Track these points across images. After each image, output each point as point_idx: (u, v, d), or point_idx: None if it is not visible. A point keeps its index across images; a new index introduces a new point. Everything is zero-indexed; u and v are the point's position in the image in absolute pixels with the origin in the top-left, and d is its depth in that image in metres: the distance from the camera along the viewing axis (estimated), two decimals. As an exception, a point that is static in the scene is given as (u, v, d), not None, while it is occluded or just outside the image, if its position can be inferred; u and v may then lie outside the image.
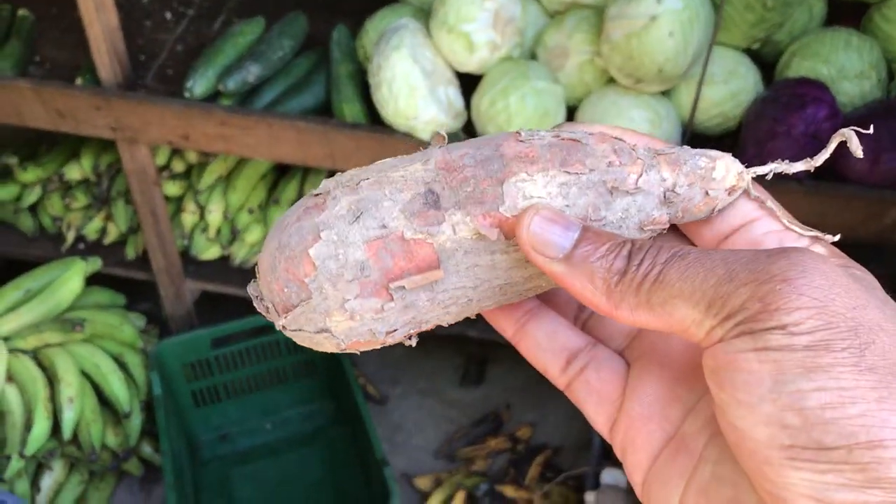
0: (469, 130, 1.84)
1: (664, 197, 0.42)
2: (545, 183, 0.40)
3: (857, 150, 0.40)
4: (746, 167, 0.42)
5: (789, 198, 1.66)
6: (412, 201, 0.40)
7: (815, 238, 0.41)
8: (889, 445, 0.30)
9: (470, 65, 1.80)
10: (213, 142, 1.90)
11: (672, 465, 0.39)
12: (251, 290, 0.44)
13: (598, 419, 0.44)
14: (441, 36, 1.77)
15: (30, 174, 2.30)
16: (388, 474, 1.93)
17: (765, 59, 1.91)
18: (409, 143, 1.78)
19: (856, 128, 0.40)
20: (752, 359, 0.32)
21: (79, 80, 1.97)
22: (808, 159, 0.42)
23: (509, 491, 2.23)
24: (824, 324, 0.32)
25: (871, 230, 1.69)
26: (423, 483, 2.27)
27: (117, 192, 2.31)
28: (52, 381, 2.00)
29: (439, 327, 0.44)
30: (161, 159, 2.19)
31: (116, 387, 2.08)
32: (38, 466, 2.07)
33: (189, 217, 2.25)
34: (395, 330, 0.41)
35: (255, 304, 0.44)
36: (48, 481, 2.06)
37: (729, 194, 0.42)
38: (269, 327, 2.20)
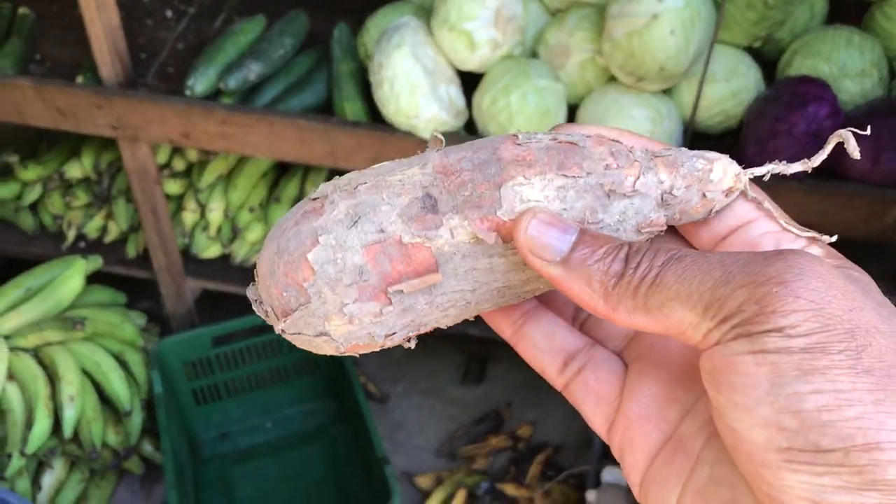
0: (470, 129, 1.84)
1: (661, 199, 0.42)
2: (542, 186, 0.40)
3: (854, 151, 0.40)
4: (744, 168, 0.42)
5: (790, 196, 1.66)
6: (410, 205, 0.40)
7: (813, 239, 0.41)
8: (886, 448, 0.30)
9: (471, 63, 1.80)
10: (214, 140, 1.90)
11: (669, 467, 0.39)
12: (250, 293, 0.44)
13: (596, 420, 0.44)
14: (442, 34, 1.77)
15: (30, 172, 2.30)
16: (389, 473, 1.93)
17: (766, 58, 1.91)
18: (410, 141, 1.78)
19: (853, 129, 0.40)
20: (749, 361, 0.32)
21: (80, 79, 1.97)
22: (806, 160, 0.42)
23: (510, 489, 2.23)
24: (821, 326, 0.32)
25: (872, 229, 1.69)
26: (424, 482, 2.27)
27: (118, 191, 2.31)
28: (52, 379, 2.00)
29: (439, 328, 0.44)
30: (162, 158, 2.19)
31: (117, 385, 2.08)
32: (39, 465, 2.07)
33: (190, 215, 2.25)
34: (393, 333, 0.42)
35: (254, 308, 0.44)
36: (49, 480, 2.06)
37: (726, 196, 0.42)
38: (269, 326, 2.19)
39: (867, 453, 0.30)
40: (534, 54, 1.88)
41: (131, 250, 2.35)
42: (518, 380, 2.50)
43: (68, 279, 2.09)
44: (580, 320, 0.48)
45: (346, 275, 0.40)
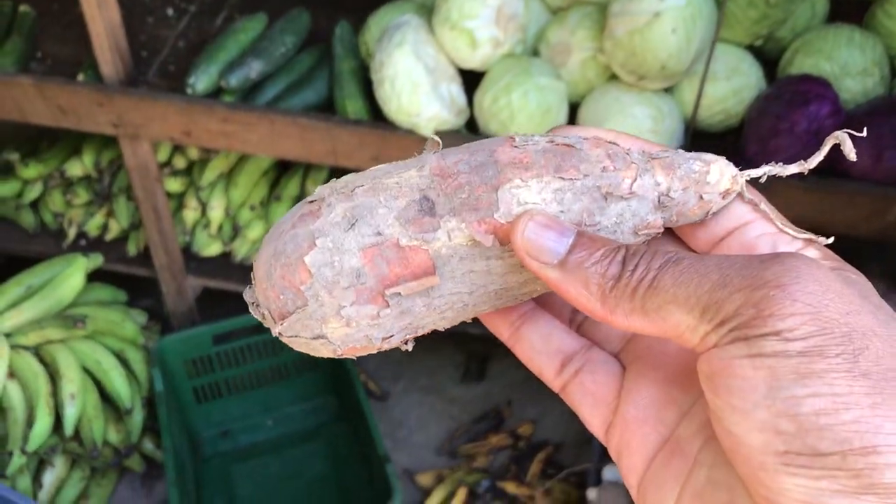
0: (471, 127, 1.84)
1: (658, 201, 0.42)
2: (540, 189, 0.40)
3: (850, 152, 0.40)
4: (740, 170, 0.42)
5: (791, 195, 1.66)
6: (407, 208, 0.40)
7: (809, 240, 0.41)
8: (883, 451, 0.30)
9: (473, 61, 1.80)
10: (215, 138, 1.90)
11: (667, 469, 0.39)
12: (247, 296, 0.44)
13: (594, 422, 0.44)
14: (444, 32, 1.77)
15: (31, 170, 2.30)
16: (391, 471, 1.93)
17: (767, 56, 1.91)
18: (411, 139, 1.78)
19: (849, 130, 0.40)
20: (747, 365, 0.32)
21: (80, 77, 1.97)
22: (802, 162, 0.42)
23: (511, 488, 2.23)
24: (818, 330, 0.32)
25: (873, 227, 1.69)
26: (424, 480, 2.27)
27: (119, 189, 2.31)
28: (53, 377, 2.00)
29: (436, 330, 0.44)
30: (162, 156, 2.19)
31: (118, 383, 2.08)
32: (40, 463, 2.07)
33: (191, 213, 2.25)
34: (391, 335, 0.42)
35: (251, 311, 0.44)
36: (50, 478, 2.06)
37: (723, 198, 0.42)
38: (269, 325, 2.20)
39: (864, 457, 0.30)
40: (535, 53, 1.88)
41: (132, 248, 2.35)
42: (518, 378, 2.50)
43: (69, 277, 2.09)
44: (577, 322, 0.48)
45: (343, 277, 0.40)
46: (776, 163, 0.43)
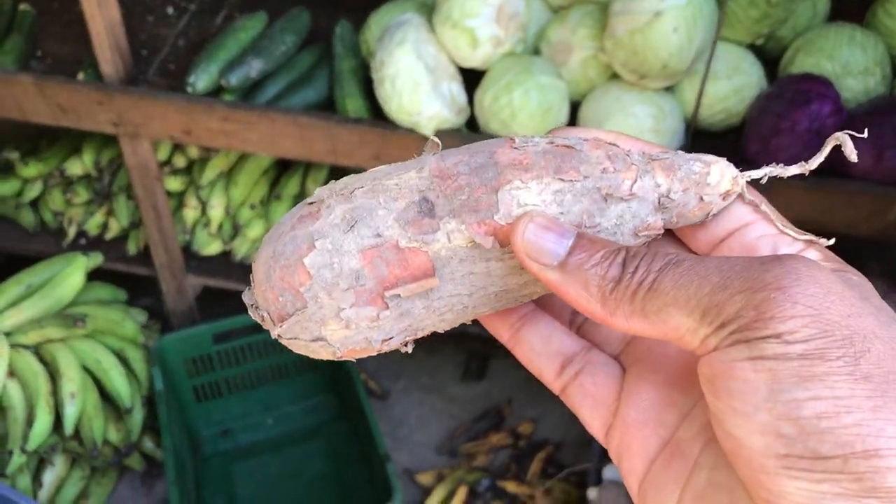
0: (472, 126, 1.84)
1: (659, 203, 0.42)
2: (540, 190, 0.40)
3: (851, 154, 0.40)
4: (741, 171, 0.42)
5: (791, 194, 1.66)
6: (407, 209, 0.40)
7: (810, 242, 0.41)
8: (884, 455, 0.30)
9: (473, 60, 1.80)
10: (215, 137, 1.90)
11: (667, 471, 0.39)
12: (246, 298, 0.44)
13: (594, 424, 0.44)
14: (445, 31, 1.77)
15: (31, 169, 2.30)
16: (391, 470, 1.93)
17: (768, 55, 1.91)
18: (411, 138, 1.78)
19: (850, 132, 0.40)
20: (748, 367, 0.32)
21: (81, 75, 1.97)
22: (803, 163, 0.42)
23: (511, 487, 2.23)
24: (819, 332, 0.32)
25: (874, 226, 1.69)
26: (424, 479, 2.27)
27: (119, 188, 2.31)
28: (53, 376, 2.00)
29: (436, 332, 0.44)
30: (162, 154, 2.19)
31: (118, 382, 2.08)
32: (40, 462, 2.07)
33: (191, 212, 2.25)
34: (390, 338, 0.41)
35: (250, 313, 0.44)
36: (50, 476, 2.06)
37: (723, 199, 0.42)
38: (269, 324, 2.20)
39: (866, 460, 0.30)
40: (536, 51, 1.88)
41: (132, 247, 2.35)
42: (519, 377, 2.50)
43: (69, 276, 2.09)
44: (577, 323, 0.48)
45: (342, 279, 0.40)
46: (777, 164, 0.42)
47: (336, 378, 2.34)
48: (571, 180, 0.40)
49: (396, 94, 1.74)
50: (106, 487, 2.19)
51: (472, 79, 1.83)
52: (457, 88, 1.80)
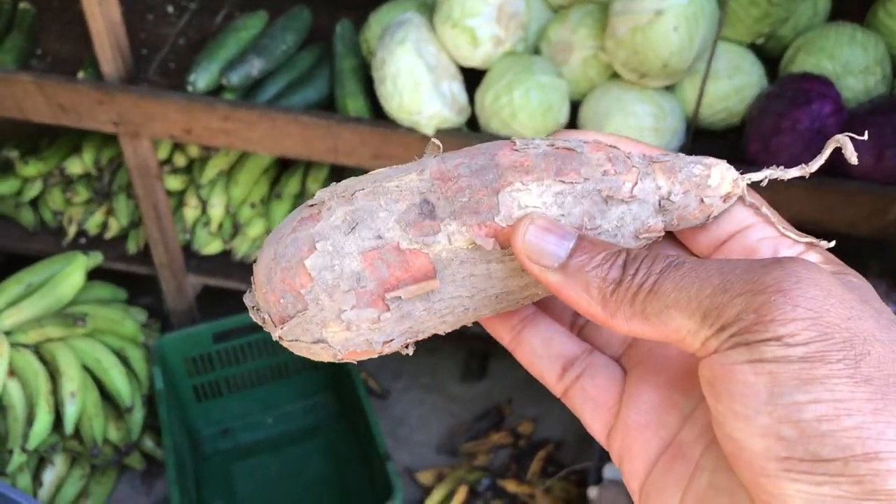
0: (473, 125, 1.84)
1: (659, 205, 0.42)
2: (540, 192, 0.40)
3: (851, 156, 0.40)
4: (741, 173, 0.42)
5: (792, 194, 1.66)
6: (407, 211, 0.40)
7: (811, 244, 0.41)
8: (885, 458, 0.30)
9: (474, 59, 1.80)
10: (216, 136, 1.90)
11: (669, 474, 0.39)
12: (247, 300, 0.44)
13: (595, 426, 0.44)
14: (445, 30, 1.77)
15: (31, 168, 2.30)
16: (391, 469, 1.93)
17: (769, 55, 1.91)
18: (412, 137, 1.78)
19: (850, 134, 0.40)
20: (748, 370, 0.32)
21: (81, 74, 1.97)
22: (803, 165, 0.42)
23: (511, 486, 2.23)
24: (819, 335, 0.32)
25: (874, 226, 1.69)
26: (425, 478, 2.27)
27: (119, 187, 2.30)
28: (53, 375, 2.00)
29: (437, 334, 0.44)
30: (163, 153, 2.19)
31: (118, 381, 2.08)
32: (40, 461, 2.07)
33: (191, 211, 2.25)
34: (391, 340, 0.41)
35: (251, 315, 0.44)
36: (50, 476, 2.06)
37: (724, 201, 0.42)
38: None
39: (866, 463, 0.30)
40: (536, 51, 1.88)
41: (132, 246, 2.35)
42: (519, 376, 2.50)
43: (69, 275, 2.09)
44: (579, 326, 0.48)
45: (343, 281, 0.40)
46: (777, 164, 0.42)
47: (336, 377, 2.34)
48: (572, 182, 0.40)
49: (397, 94, 1.74)
50: (106, 486, 2.19)
51: (472, 78, 1.83)
52: (457, 88, 1.80)
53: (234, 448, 2.31)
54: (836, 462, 0.30)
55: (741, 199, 0.42)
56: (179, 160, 2.21)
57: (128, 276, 2.39)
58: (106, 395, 2.11)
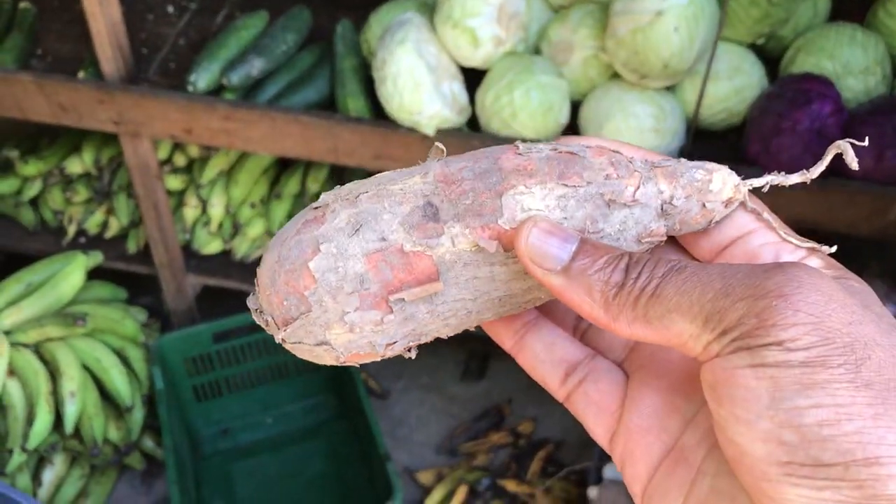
0: (473, 126, 1.84)
1: (661, 209, 0.42)
2: (543, 195, 0.40)
3: (852, 162, 0.40)
4: (743, 179, 0.42)
5: (792, 194, 1.66)
6: (411, 214, 0.40)
7: (812, 249, 0.41)
8: (885, 462, 0.30)
9: (474, 60, 1.80)
10: (216, 136, 1.90)
11: (671, 478, 0.39)
12: (250, 303, 0.44)
13: (598, 431, 0.44)
14: (446, 31, 1.77)
15: (31, 167, 2.30)
16: (391, 470, 1.93)
17: (769, 55, 1.91)
18: (413, 137, 1.78)
19: (851, 140, 0.40)
20: (749, 375, 0.32)
21: (81, 74, 1.97)
22: (805, 171, 0.42)
23: (511, 486, 2.23)
24: (820, 340, 0.32)
25: (874, 226, 1.69)
26: (424, 478, 2.27)
27: (119, 186, 2.30)
28: (53, 375, 2.00)
29: (439, 337, 0.44)
30: (163, 153, 2.19)
31: (118, 381, 2.08)
32: (40, 460, 2.07)
33: (191, 211, 2.25)
34: (394, 342, 0.42)
35: (254, 318, 0.44)
36: (49, 475, 2.06)
37: (726, 206, 0.42)
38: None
39: (867, 468, 0.30)
40: (537, 51, 1.88)
41: (132, 246, 2.35)
42: (519, 377, 2.50)
43: (69, 275, 2.09)
44: (581, 330, 0.48)
45: (347, 283, 0.40)
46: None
47: (336, 378, 2.34)
48: (575, 186, 0.41)
49: (398, 94, 1.74)
50: (105, 486, 2.19)
51: (473, 78, 1.83)
52: (458, 88, 1.80)
53: (234, 448, 2.31)
54: (837, 467, 0.30)
55: (743, 204, 0.43)
56: (179, 160, 2.21)
57: (128, 275, 2.39)
58: (106, 395, 2.11)
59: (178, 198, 2.29)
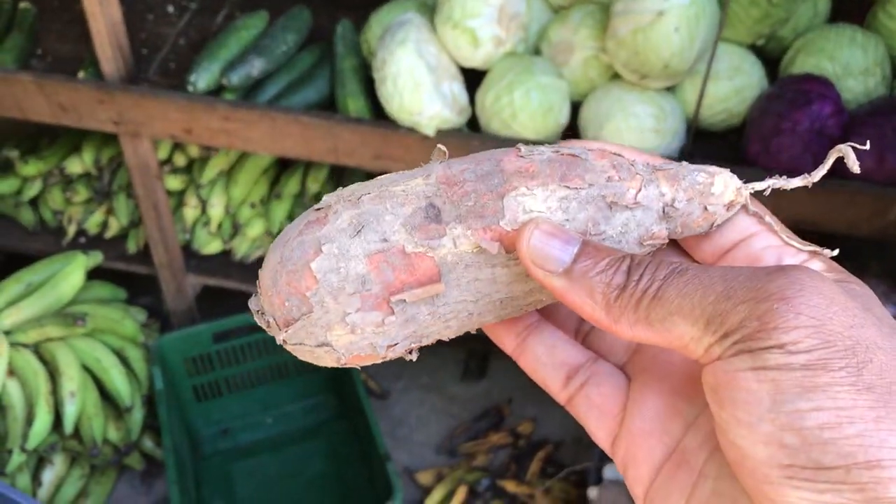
0: (473, 126, 1.84)
1: (663, 212, 0.42)
2: (545, 197, 0.40)
3: (854, 165, 0.40)
4: (744, 183, 0.42)
5: (793, 195, 1.66)
6: (413, 215, 0.40)
7: (814, 253, 0.41)
8: (887, 465, 0.30)
9: (475, 60, 1.80)
10: (216, 136, 1.90)
11: (673, 481, 0.39)
12: (252, 304, 0.44)
13: (600, 434, 0.44)
14: (446, 31, 1.77)
15: (31, 167, 2.30)
16: (391, 470, 1.93)
17: (769, 56, 1.91)
18: (413, 138, 1.78)
19: (853, 144, 0.40)
20: (751, 378, 0.32)
21: (81, 74, 1.97)
22: (806, 175, 0.42)
23: (511, 486, 2.23)
24: (822, 343, 0.32)
25: (874, 227, 1.69)
26: (424, 478, 2.27)
27: (118, 186, 2.30)
28: (53, 375, 2.00)
29: (440, 340, 0.44)
30: (163, 153, 2.18)
31: (118, 381, 2.08)
32: (40, 460, 2.07)
33: (191, 211, 2.25)
34: (395, 344, 0.41)
35: (255, 319, 0.44)
36: (49, 475, 2.06)
37: (727, 209, 0.42)
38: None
39: (869, 471, 0.30)
40: (537, 51, 1.88)
41: (132, 246, 2.35)
42: (518, 376, 2.49)
43: (69, 275, 2.09)
44: (583, 333, 0.48)
45: (348, 284, 0.40)
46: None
47: (336, 378, 2.34)
48: (577, 188, 0.41)
49: (398, 94, 1.74)
50: (105, 486, 2.19)
51: (473, 79, 1.83)
52: (458, 88, 1.80)
53: (234, 448, 2.31)
54: (839, 470, 0.30)
55: (744, 207, 0.43)
56: (179, 160, 2.21)
57: (127, 275, 2.39)
58: (106, 395, 2.11)
59: (178, 198, 2.29)
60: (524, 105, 1.72)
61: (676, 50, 1.65)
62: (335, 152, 1.85)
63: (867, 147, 0.39)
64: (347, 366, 0.42)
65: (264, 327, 0.43)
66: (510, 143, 1.73)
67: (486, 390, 2.50)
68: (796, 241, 0.41)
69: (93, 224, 2.36)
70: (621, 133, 1.73)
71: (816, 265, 0.40)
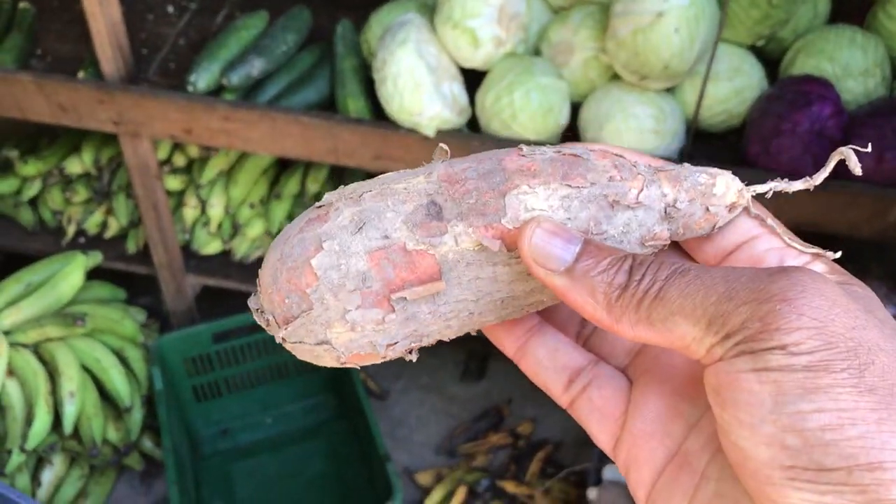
0: (473, 126, 1.84)
1: (665, 212, 0.42)
2: (547, 196, 0.40)
3: (856, 167, 0.40)
4: (746, 185, 0.42)
5: (793, 196, 1.66)
6: (415, 212, 0.40)
7: (816, 255, 0.41)
8: (888, 467, 0.30)
9: (475, 60, 1.80)
10: (216, 136, 1.90)
11: (675, 483, 0.39)
12: (252, 303, 0.44)
13: (602, 437, 0.43)
14: (446, 31, 1.77)
15: (30, 167, 2.30)
16: (391, 470, 1.93)
17: (769, 57, 1.91)
18: (413, 138, 1.78)
19: (854, 146, 0.40)
20: (753, 379, 0.32)
21: (81, 74, 1.97)
22: (808, 178, 0.42)
23: (510, 487, 2.23)
24: (824, 344, 0.32)
25: (874, 228, 1.69)
26: (424, 478, 2.27)
27: (118, 186, 2.30)
28: (52, 375, 2.00)
29: (441, 340, 0.43)
30: (162, 153, 2.18)
31: (117, 381, 2.08)
32: (39, 461, 2.07)
33: (190, 211, 2.25)
34: (395, 343, 0.41)
35: (255, 318, 0.44)
36: (49, 476, 2.06)
37: (729, 211, 0.42)
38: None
39: (870, 472, 0.30)
40: (537, 52, 1.88)
41: (131, 246, 2.35)
42: (518, 377, 2.48)
43: (68, 275, 2.09)
44: (584, 336, 0.48)
45: (349, 281, 0.40)
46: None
47: (336, 378, 2.34)
48: (578, 187, 0.41)
49: (398, 94, 1.74)
50: (105, 486, 2.19)
51: (473, 79, 1.83)
52: (458, 89, 1.80)
53: (234, 448, 2.31)
54: (840, 471, 0.30)
55: (746, 209, 0.43)
56: (179, 160, 2.21)
57: (127, 275, 2.39)
58: (105, 395, 2.11)
59: (178, 198, 2.28)
60: (524, 106, 1.72)
61: (676, 51, 1.65)
62: (335, 153, 1.85)
63: (869, 149, 0.39)
64: (347, 365, 0.42)
65: (264, 326, 0.43)
66: (510, 143, 1.73)
67: (485, 391, 2.50)
68: (798, 244, 0.41)
69: (92, 224, 2.36)
70: (621, 134, 1.73)
71: (819, 267, 0.40)
